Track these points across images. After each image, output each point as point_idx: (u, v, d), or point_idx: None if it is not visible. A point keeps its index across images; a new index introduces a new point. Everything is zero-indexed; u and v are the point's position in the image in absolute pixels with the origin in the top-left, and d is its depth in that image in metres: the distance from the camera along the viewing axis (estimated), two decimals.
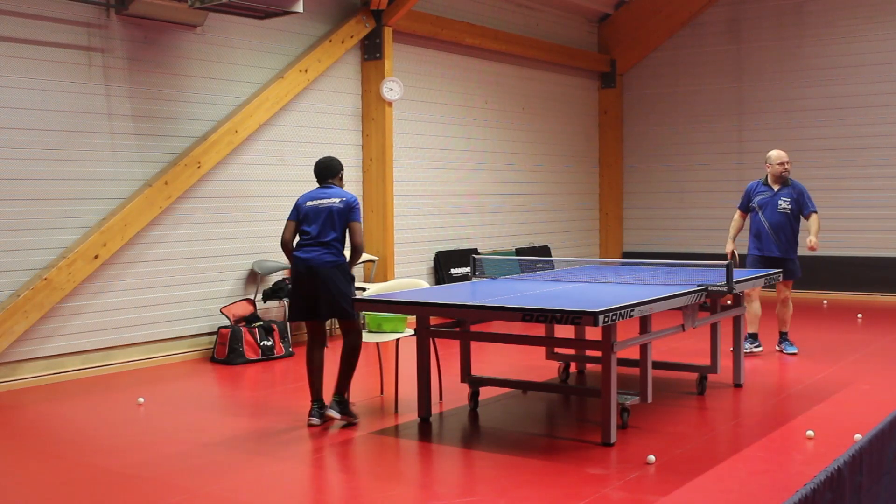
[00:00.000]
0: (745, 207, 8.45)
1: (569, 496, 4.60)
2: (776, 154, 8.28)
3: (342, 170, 6.36)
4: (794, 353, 8.23)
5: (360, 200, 6.30)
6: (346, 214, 6.06)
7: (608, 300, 5.52)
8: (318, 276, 5.97)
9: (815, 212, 8.19)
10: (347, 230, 6.10)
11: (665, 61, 14.25)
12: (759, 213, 8.25)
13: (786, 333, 8.38)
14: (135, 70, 8.23)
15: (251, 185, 9.15)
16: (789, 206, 8.14)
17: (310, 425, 6.00)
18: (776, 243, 8.12)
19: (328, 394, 6.18)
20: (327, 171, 6.26)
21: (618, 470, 5.03)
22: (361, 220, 6.17)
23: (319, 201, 6.11)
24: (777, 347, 8.35)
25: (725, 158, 13.59)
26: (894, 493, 3.53)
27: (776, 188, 8.24)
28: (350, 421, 6.04)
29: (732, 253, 8.33)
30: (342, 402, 6.06)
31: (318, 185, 6.26)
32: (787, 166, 8.22)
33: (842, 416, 6.11)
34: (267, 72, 9.36)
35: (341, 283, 6.01)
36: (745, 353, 7.83)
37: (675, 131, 14.17)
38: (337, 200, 6.09)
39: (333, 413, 6.01)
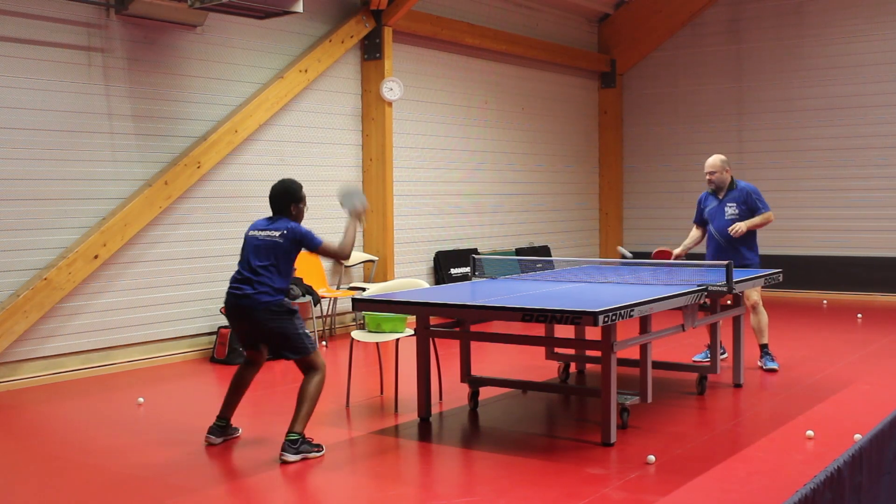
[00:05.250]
0: (700, 220, 7.88)
1: (569, 496, 4.60)
2: (707, 162, 7.70)
3: (295, 201, 5.55)
4: (774, 370, 7.55)
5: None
6: (295, 246, 5.45)
7: (608, 300, 5.52)
8: (251, 317, 5.44)
9: (769, 211, 7.61)
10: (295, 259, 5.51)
11: (665, 61, 14.26)
12: (710, 226, 7.71)
13: (766, 346, 7.67)
14: (135, 70, 8.23)
15: (251, 185, 9.15)
16: (736, 211, 7.57)
17: (207, 444, 5.62)
18: (731, 252, 7.50)
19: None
20: (275, 202, 5.57)
21: (618, 470, 5.03)
22: (320, 241, 5.46)
23: (261, 232, 5.52)
24: (758, 363, 7.67)
25: None
26: (894, 493, 3.53)
27: (721, 196, 7.68)
28: (306, 456, 5.30)
29: (679, 256, 7.77)
30: (293, 440, 5.30)
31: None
32: (708, 176, 7.64)
33: (842, 416, 6.11)
34: (267, 72, 9.36)
35: (281, 321, 5.40)
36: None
37: (675, 131, 14.18)
38: (277, 234, 5.45)
39: (288, 456, 5.24)
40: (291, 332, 5.41)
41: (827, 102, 12.93)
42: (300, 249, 5.51)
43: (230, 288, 5.52)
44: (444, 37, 11.19)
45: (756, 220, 7.59)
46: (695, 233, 7.97)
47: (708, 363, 7.20)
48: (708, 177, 7.68)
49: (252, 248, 5.48)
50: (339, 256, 5.60)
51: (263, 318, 5.39)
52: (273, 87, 9.24)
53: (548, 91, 13.38)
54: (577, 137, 14.09)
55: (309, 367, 5.47)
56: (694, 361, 7.78)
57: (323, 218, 9.79)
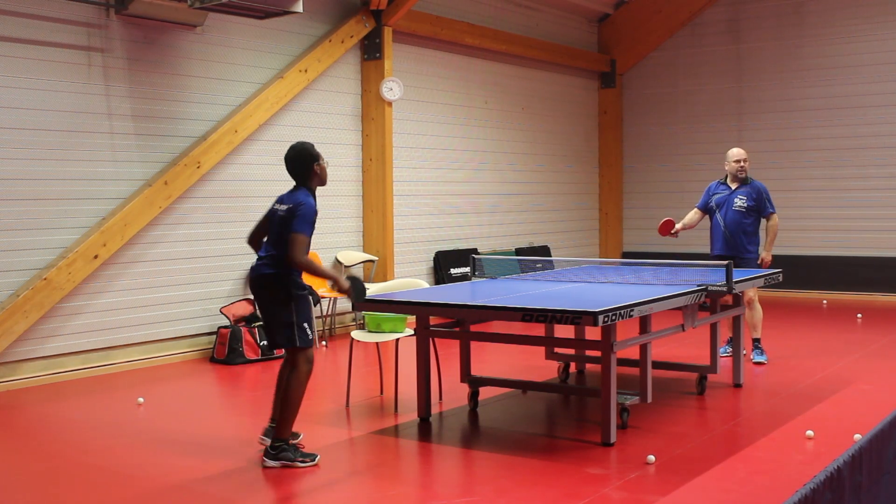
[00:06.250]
0: (704, 207, 8.14)
1: (569, 496, 4.60)
2: (733, 151, 8.00)
3: (315, 159, 5.30)
4: (761, 363, 7.84)
5: (313, 208, 5.18)
6: (288, 222, 5.12)
7: (608, 300, 5.52)
8: (253, 292, 5.32)
9: (775, 212, 7.94)
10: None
11: (665, 61, 14.26)
12: (717, 213, 7.97)
13: (758, 340, 7.98)
14: (135, 70, 8.23)
15: (251, 185, 9.15)
16: (745, 204, 7.84)
17: (261, 443, 5.46)
18: (732, 243, 7.84)
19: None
20: (294, 169, 5.31)
21: (618, 470, 5.03)
22: (304, 230, 5.09)
23: (278, 206, 5.30)
24: (751, 356, 7.92)
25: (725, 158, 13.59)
26: (894, 493, 3.53)
27: (734, 187, 7.97)
28: (287, 464, 5.12)
29: (677, 231, 8.02)
30: (273, 446, 5.15)
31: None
32: (742, 164, 7.92)
33: (842, 416, 6.11)
34: (267, 72, 9.36)
35: (274, 298, 5.19)
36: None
37: (675, 131, 14.17)
38: (284, 207, 5.21)
39: (267, 461, 5.17)
40: (281, 317, 5.15)
41: (827, 102, 12.93)
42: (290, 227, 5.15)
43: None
44: (444, 37, 11.19)
45: (770, 239, 8.01)
46: (694, 215, 8.24)
47: (730, 356, 7.54)
48: (743, 163, 7.96)
49: (271, 223, 5.29)
50: (293, 258, 5.08)
51: (257, 290, 5.22)
52: (273, 87, 9.24)
53: (548, 91, 13.38)
54: (577, 137, 14.09)
55: (293, 360, 5.21)
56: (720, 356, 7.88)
57: (322, 218, 9.78)
